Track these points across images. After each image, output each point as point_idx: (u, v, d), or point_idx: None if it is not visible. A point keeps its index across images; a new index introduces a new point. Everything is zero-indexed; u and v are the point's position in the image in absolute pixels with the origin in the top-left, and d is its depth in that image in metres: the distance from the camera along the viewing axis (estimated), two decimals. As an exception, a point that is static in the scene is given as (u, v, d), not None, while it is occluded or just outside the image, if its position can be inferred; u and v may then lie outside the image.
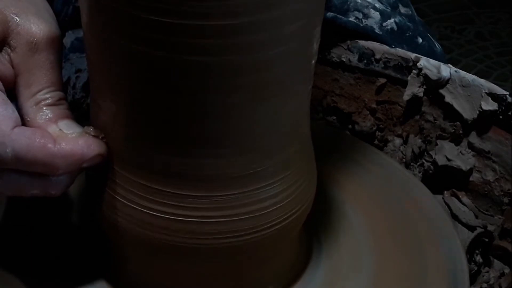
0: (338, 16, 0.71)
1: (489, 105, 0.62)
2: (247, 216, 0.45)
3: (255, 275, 0.50)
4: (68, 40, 0.70)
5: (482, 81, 0.63)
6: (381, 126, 0.72)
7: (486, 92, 0.62)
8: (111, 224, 0.47)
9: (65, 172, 0.44)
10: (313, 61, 0.45)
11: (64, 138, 0.44)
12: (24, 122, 0.45)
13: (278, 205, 0.46)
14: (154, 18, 0.38)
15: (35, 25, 0.45)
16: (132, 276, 0.50)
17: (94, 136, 0.45)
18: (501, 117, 0.61)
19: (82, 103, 0.71)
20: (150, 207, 0.45)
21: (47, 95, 0.45)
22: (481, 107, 0.62)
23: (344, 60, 0.72)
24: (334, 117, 0.75)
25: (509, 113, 0.61)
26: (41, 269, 0.51)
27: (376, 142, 0.72)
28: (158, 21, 0.38)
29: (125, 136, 0.44)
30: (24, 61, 0.45)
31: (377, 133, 0.73)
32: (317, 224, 0.56)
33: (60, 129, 0.45)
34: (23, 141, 0.42)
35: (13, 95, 0.46)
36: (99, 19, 0.42)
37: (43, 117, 0.45)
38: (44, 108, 0.45)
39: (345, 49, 0.72)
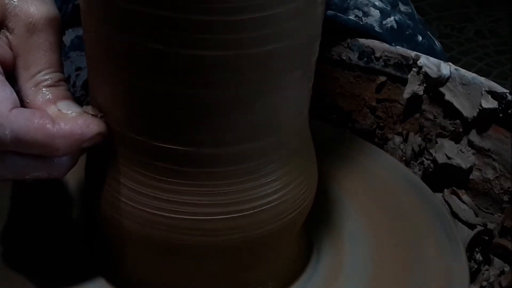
0: (338, 14, 0.71)
1: (489, 103, 0.62)
2: (247, 213, 0.45)
3: (254, 273, 0.50)
4: (68, 38, 0.70)
5: (482, 79, 0.63)
6: (381, 124, 0.72)
7: (486, 90, 0.62)
8: (110, 221, 0.47)
9: (65, 153, 0.43)
10: (313, 57, 0.45)
11: (63, 118, 0.43)
12: (23, 104, 0.44)
13: (278, 203, 0.46)
14: (157, 13, 0.38)
15: (33, 6, 0.45)
16: (131, 274, 0.50)
17: (93, 115, 0.44)
18: (501, 115, 0.61)
19: (82, 101, 0.71)
20: (149, 200, 0.45)
21: (47, 76, 0.45)
22: (481, 105, 0.62)
23: (344, 58, 0.72)
24: (334, 116, 0.75)
25: (509, 111, 0.61)
26: (40, 267, 0.51)
27: (376, 140, 0.72)
28: (161, 16, 0.38)
29: (124, 124, 0.44)
30: (22, 42, 0.45)
31: (377, 131, 0.73)
32: (316, 222, 0.56)
33: (59, 110, 0.44)
34: (22, 122, 0.42)
35: (12, 78, 0.45)
36: (98, 15, 0.42)
37: (42, 98, 0.44)
38: (43, 89, 0.45)
39: (345, 47, 0.72)
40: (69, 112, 0.44)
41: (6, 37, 0.45)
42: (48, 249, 0.53)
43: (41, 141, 0.42)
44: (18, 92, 0.44)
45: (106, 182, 0.47)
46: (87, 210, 0.54)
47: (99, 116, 0.44)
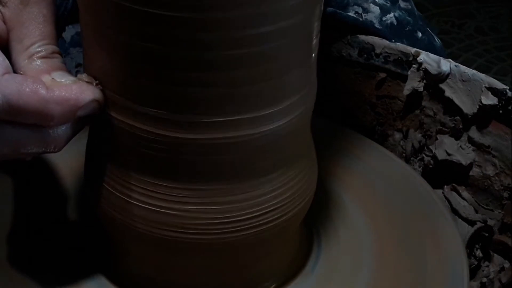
0: (338, 11, 0.71)
1: (489, 100, 0.62)
2: (248, 212, 0.45)
3: (254, 270, 0.50)
4: (68, 34, 0.71)
5: (482, 75, 0.63)
6: (381, 120, 0.72)
7: (486, 87, 0.62)
8: (113, 221, 0.47)
9: (60, 121, 0.42)
10: (314, 40, 0.45)
11: (57, 85, 0.42)
12: None
13: (278, 200, 0.46)
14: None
15: None
16: (131, 271, 0.50)
17: (87, 82, 0.43)
18: (501, 111, 0.61)
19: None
20: (147, 200, 0.45)
21: (40, 48, 0.44)
22: (481, 102, 0.62)
23: (344, 54, 0.72)
24: (334, 112, 0.75)
25: (509, 108, 0.61)
26: (39, 264, 0.51)
27: (376, 136, 0.72)
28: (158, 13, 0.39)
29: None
30: (15, 15, 0.44)
31: (377, 127, 0.73)
32: (316, 219, 0.56)
33: (53, 79, 0.43)
34: (14, 86, 0.40)
35: (7, 53, 0.44)
36: (93, 10, 0.42)
37: (36, 68, 0.43)
38: (37, 60, 0.44)
39: (345, 44, 0.72)
40: (63, 80, 0.43)
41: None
42: (48, 248, 0.53)
43: (34, 107, 0.41)
44: (12, 66, 0.43)
45: (108, 180, 0.46)
46: (87, 208, 0.54)
47: (94, 83, 0.44)
